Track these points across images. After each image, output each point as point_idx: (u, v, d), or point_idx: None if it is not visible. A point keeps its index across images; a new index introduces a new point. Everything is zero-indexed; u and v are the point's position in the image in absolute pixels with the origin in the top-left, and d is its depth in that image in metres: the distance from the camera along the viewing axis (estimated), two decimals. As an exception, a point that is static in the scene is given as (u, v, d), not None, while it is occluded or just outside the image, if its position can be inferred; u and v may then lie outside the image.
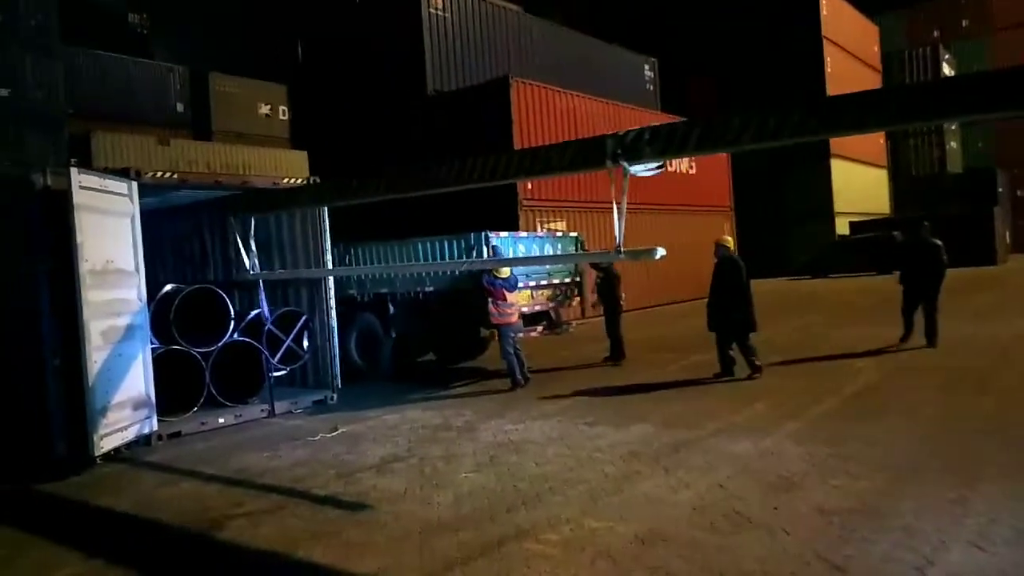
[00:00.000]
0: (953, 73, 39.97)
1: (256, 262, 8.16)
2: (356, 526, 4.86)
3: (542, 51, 21.24)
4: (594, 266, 10.97)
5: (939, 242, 10.18)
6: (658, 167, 5.33)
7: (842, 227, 30.67)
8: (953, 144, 40.08)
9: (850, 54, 34.03)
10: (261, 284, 8.69)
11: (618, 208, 5.11)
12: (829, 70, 31.14)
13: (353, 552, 4.43)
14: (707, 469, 5.57)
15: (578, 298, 11.33)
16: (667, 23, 33.24)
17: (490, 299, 9.19)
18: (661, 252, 5.66)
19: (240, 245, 7.77)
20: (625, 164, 5.02)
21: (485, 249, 9.74)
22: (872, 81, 35.50)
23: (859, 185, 33.17)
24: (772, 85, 28.81)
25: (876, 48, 38.18)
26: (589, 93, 18.51)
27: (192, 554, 4.72)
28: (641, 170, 5.26)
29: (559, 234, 12.49)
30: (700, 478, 5.37)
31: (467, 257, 9.92)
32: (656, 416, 7.37)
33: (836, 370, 9.22)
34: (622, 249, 5.39)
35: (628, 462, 5.88)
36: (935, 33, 42.51)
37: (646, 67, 26.17)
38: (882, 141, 36.34)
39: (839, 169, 31.17)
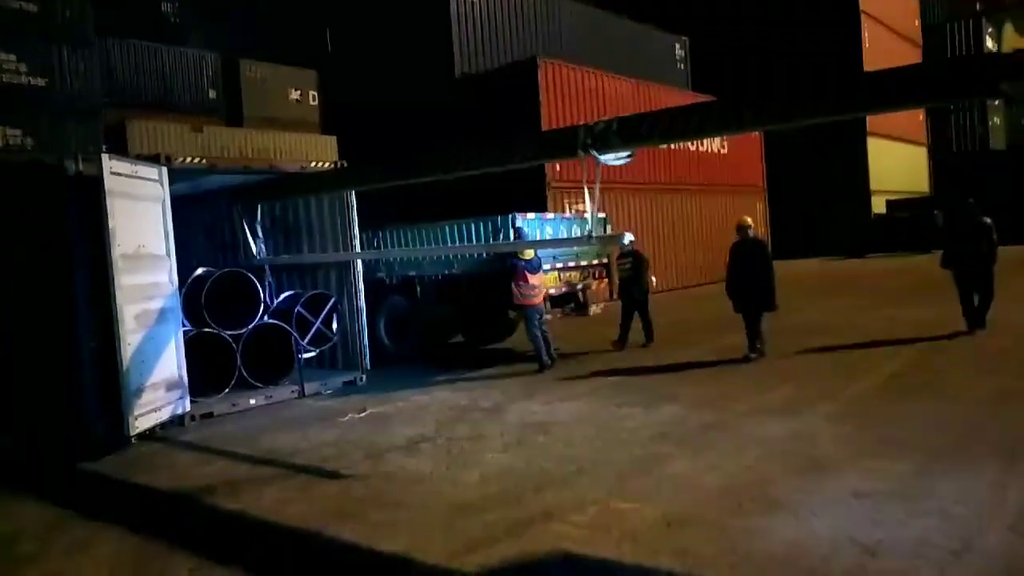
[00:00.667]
0: (996, 48, 38.60)
1: (263, 247, 8.38)
2: (383, 506, 4.88)
3: (571, 32, 20.99)
4: (622, 252, 10.62)
5: (989, 220, 9.43)
6: (628, 156, 5.48)
7: (879, 206, 29.94)
8: (996, 120, 38.73)
9: (889, 28, 33.02)
10: (268, 270, 8.90)
11: (590, 194, 5.31)
12: (867, 45, 30.27)
13: (380, 532, 4.46)
14: (736, 451, 5.49)
15: (606, 280, 11.24)
16: (700, 1, 32.53)
17: (513, 281, 9.17)
18: (629, 237, 6.75)
19: (247, 231, 7.88)
20: (595, 153, 5.19)
21: (512, 232, 9.70)
22: (912, 56, 34.42)
23: (897, 163, 32.30)
24: (808, 62, 28.10)
25: (916, 22, 36.98)
26: (619, 73, 18.26)
27: (224, 531, 4.80)
28: (611, 159, 5.39)
29: (586, 215, 12.35)
30: (729, 460, 5.29)
31: (494, 240, 9.90)
32: (686, 397, 7.29)
33: (874, 351, 9.00)
34: (594, 234, 5.79)
35: (656, 443, 5.83)
36: (977, 6, 41.01)
37: (677, 46, 25.73)
38: (921, 118, 35.27)
39: (876, 147, 30.36)
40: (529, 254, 9.18)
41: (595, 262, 10.93)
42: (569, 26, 21.07)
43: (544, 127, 14.96)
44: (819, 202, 30.13)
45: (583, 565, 3.87)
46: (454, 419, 7.19)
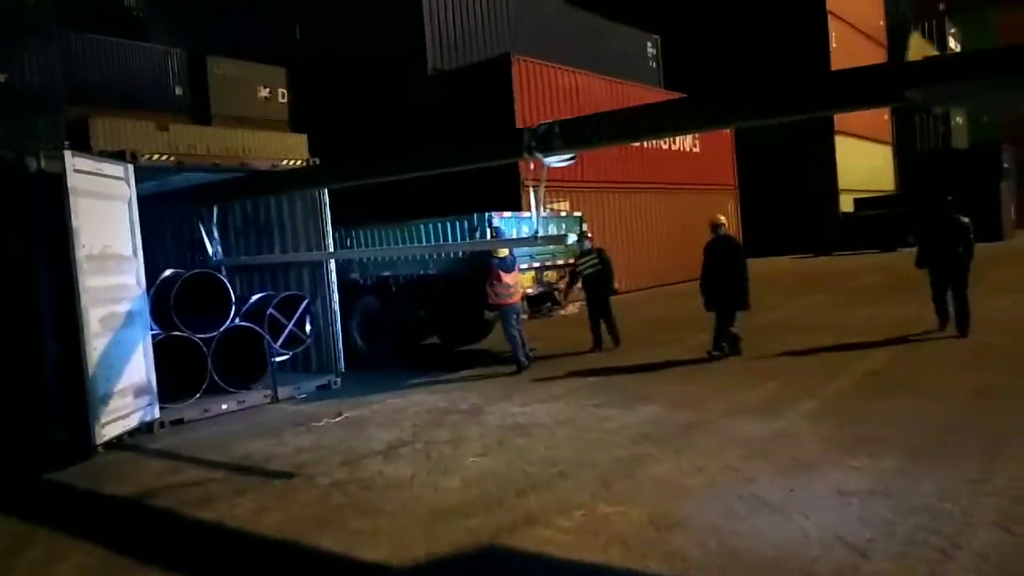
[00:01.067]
0: (959, 48, 39.41)
1: (219, 248, 8.67)
2: (362, 514, 4.75)
3: (544, 29, 20.92)
4: (582, 251, 10.27)
5: (967, 220, 9.32)
6: (570, 158, 5.72)
7: (846, 204, 30.40)
8: (959, 119, 39.61)
9: (855, 28, 33.55)
10: (223, 271, 8.87)
11: (535, 195, 5.69)
12: (834, 45, 30.71)
13: (360, 540, 4.33)
14: (719, 451, 5.46)
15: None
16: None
17: (487, 281, 9.07)
18: (572, 238, 7.40)
19: (203, 231, 7.76)
20: (539, 155, 5.42)
21: (488, 230, 9.59)
22: (877, 56, 35.02)
23: (864, 162, 32.84)
24: (778, 61, 28.40)
25: (882, 22, 37.62)
26: (592, 71, 18.24)
27: (197, 543, 4.63)
28: (555, 161, 5.62)
29: (563, 214, 12.31)
30: (713, 460, 5.26)
31: (471, 239, 9.78)
32: (664, 397, 7.25)
33: (849, 349, 9.08)
34: (539, 233, 6.11)
35: (638, 444, 5.77)
36: (941, 6, 41.87)
37: (648, 44, 25.81)
38: (886, 117, 35.92)
39: (843, 146, 30.83)
40: (503, 252, 9.08)
41: (572, 261, 10.85)
42: (543, 23, 21.00)
43: (519, 124, 14.86)
44: (789, 200, 30.49)
45: (572, 571, 3.78)
46: (432, 422, 7.07)
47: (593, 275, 10.22)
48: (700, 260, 9.32)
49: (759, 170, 27.65)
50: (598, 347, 10.27)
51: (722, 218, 9.43)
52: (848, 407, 6.43)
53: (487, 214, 9.72)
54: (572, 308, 10.96)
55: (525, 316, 9.87)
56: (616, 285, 10.49)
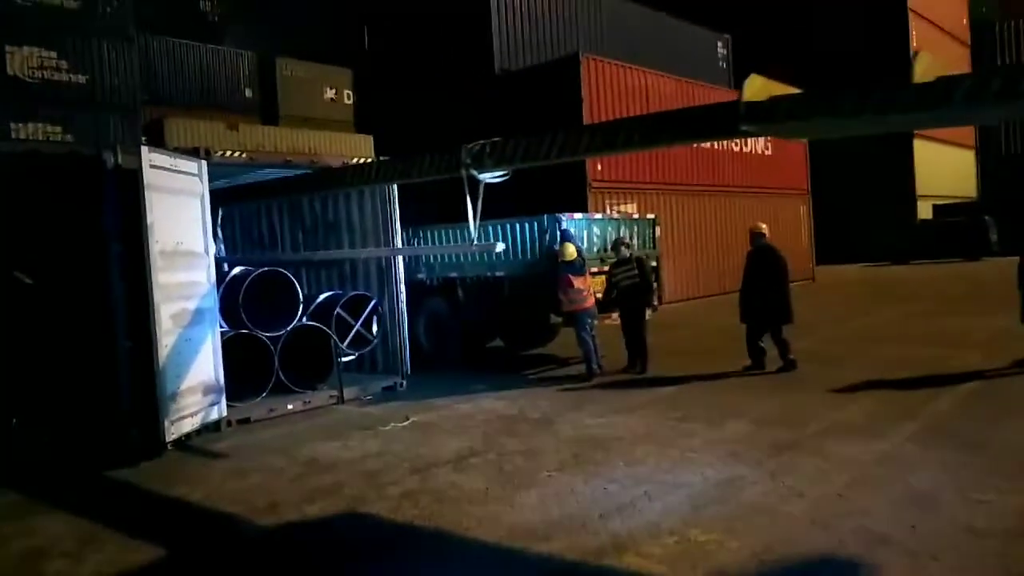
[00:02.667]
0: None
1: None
2: (437, 530, 4.48)
3: (613, 28, 20.51)
4: (619, 259, 9.20)
5: None
6: (503, 175, 6.27)
7: (925, 211, 28.94)
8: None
9: (937, 27, 31.96)
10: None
11: (472, 209, 6.26)
12: (915, 44, 29.29)
13: (436, 560, 4.05)
14: (820, 475, 5.00)
15: (655, 283, 10.72)
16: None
17: (559, 288, 8.70)
18: (500, 247, 7.97)
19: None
20: (474, 172, 6.08)
21: (558, 232, 9.28)
22: (960, 56, 33.30)
23: (944, 167, 31.24)
24: (854, 62, 27.22)
25: (965, 20, 35.77)
26: (661, 70, 17.73)
27: (263, 552, 4.43)
28: (488, 177, 6.22)
29: (635, 216, 11.88)
30: (813, 485, 4.80)
31: (541, 240, 9.49)
32: (750, 412, 6.78)
33: (943, 363, 8.41)
34: (474, 242, 6.89)
35: (728, 464, 5.35)
36: (1030, 4, 39.57)
37: (719, 44, 25.10)
38: (970, 120, 34.07)
39: (923, 150, 29.38)
40: (571, 255, 8.69)
41: (606, 269, 10.39)
42: (611, 22, 20.58)
43: (586, 124, 14.51)
44: (862, 206, 29.20)
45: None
46: (502, 431, 6.77)
47: (630, 287, 9.07)
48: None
49: (833, 174, 26.54)
50: (631, 367, 9.12)
51: (763, 226, 8.83)
52: (958, 430, 5.85)
53: (556, 216, 9.42)
54: (615, 317, 10.25)
55: (598, 321, 9.40)
56: (655, 301, 9.49)
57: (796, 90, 4.64)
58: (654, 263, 10.78)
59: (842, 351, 9.39)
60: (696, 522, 4.32)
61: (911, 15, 29.55)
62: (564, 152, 5.68)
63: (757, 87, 4.64)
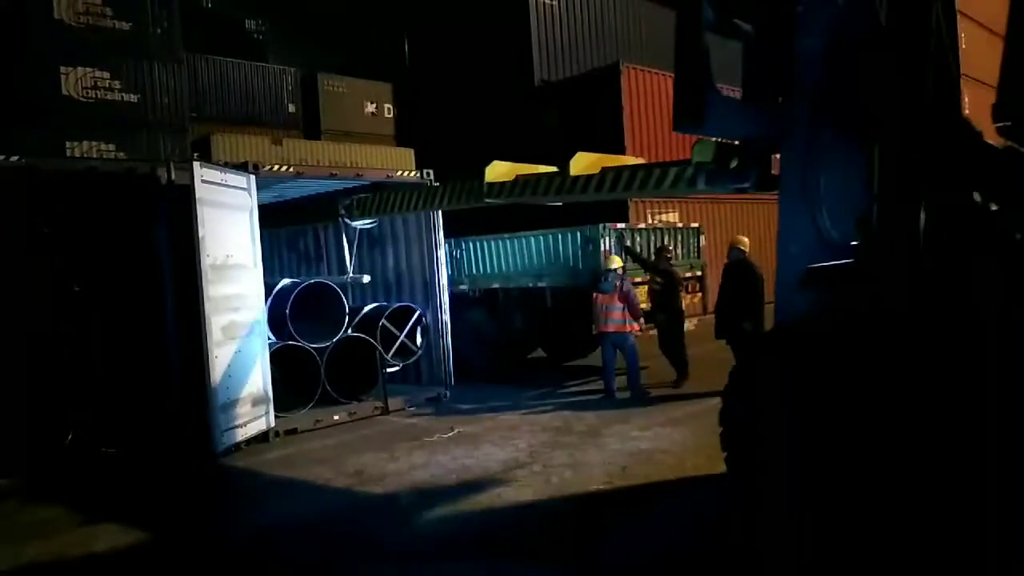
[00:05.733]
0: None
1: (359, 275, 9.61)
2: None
3: (652, 36, 20.39)
4: (652, 271, 9.05)
5: None
6: (371, 222, 8.87)
7: None
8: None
9: (987, 29, 31.12)
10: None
11: (349, 251, 9.12)
12: (963, 46, 28.51)
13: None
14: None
15: (699, 294, 10.57)
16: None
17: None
18: (367, 278, 9.18)
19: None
20: (348, 221, 8.64)
21: (603, 242, 9.22)
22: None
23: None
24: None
25: (1017, 21, 34.74)
26: (703, 79, 17.55)
27: (317, 568, 4.44)
28: (360, 224, 8.80)
29: (678, 226, 11.73)
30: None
31: (584, 251, 9.44)
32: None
33: None
34: (350, 276, 9.08)
35: (783, 479, 5.19)
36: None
37: (759, 51, 24.75)
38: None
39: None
40: (614, 264, 8.50)
41: (688, 274, 10.28)
42: (651, 31, 20.48)
43: (627, 134, 14.42)
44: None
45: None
46: (548, 443, 6.71)
47: (660, 298, 8.86)
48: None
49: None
50: (679, 380, 8.91)
51: (743, 240, 8.24)
52: None
53: (601, 225, 9.36)
54: (688, 324, 10.12)
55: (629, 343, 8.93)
56: (677, 311, 9.02)
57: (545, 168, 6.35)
58: (699, 273, 10.65)
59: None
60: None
61: (959, 16, 28.75)
62: (429, 203, 7.45)
63: (502, 170, 6.45)
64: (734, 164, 4.20)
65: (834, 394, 2.92)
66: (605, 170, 5.79)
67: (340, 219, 8.51)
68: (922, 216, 2.94)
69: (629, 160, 6.36)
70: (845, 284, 3.24)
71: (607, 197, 5.88)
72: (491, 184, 6.41)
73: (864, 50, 3.28)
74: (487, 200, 6.49)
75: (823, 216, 3.51)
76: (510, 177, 6.38)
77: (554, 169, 6.21)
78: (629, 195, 8.00)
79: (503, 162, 6.46)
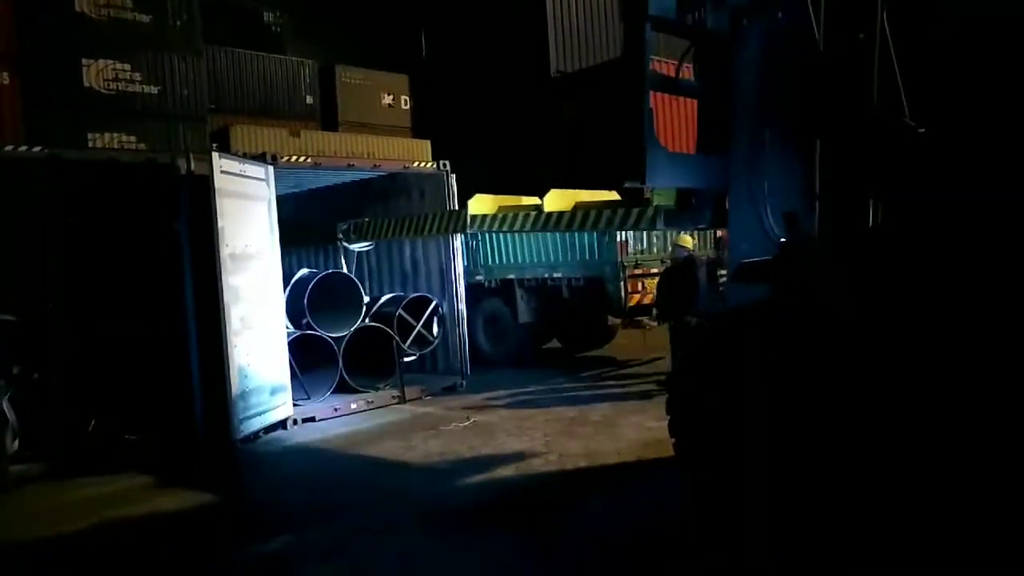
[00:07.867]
0: None
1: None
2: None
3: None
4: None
5: None
6: (368, 245, 9.42)
7: None
8: None
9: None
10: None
11: (346, 261, 9.49)
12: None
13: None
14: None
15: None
16: None
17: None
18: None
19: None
20: (346, 244, 9.32)
21: (619, 233, 9.19)
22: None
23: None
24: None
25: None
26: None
27: (328, 561, 4.49)
28: (357, 247, 9.38)
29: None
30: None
31: (600, 242, 9.43)
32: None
33: None
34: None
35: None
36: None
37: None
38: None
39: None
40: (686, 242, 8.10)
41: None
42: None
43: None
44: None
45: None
46: (563, 432, 6.73)
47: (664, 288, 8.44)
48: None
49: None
50: None
51: (687, 239, 8.04)
52: None
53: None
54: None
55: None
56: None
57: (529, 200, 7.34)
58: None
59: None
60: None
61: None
62: (419, 231, 8.31)
63: (485, 205, 7.40)
64: (693, 203, 4.68)
65: (769, 377, 3.38)
66: (577, 208, 6.73)
67: (339, 242, 9.30)
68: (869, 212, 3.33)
69: (602, 196, 7.11)
70: (772, 276, 3.67)
71: (579, 231, 6.91)
72: (474, 216, 7.39)
73: (803, 72, 3.63)
74: (470, 231, 7.83)
75: (767, 216, 3.88)
76: (492, 210, 7.38)
77: (537, 201, 7.15)
78: (598, 230, 8.52)
79: (486, 195, 7.50)
